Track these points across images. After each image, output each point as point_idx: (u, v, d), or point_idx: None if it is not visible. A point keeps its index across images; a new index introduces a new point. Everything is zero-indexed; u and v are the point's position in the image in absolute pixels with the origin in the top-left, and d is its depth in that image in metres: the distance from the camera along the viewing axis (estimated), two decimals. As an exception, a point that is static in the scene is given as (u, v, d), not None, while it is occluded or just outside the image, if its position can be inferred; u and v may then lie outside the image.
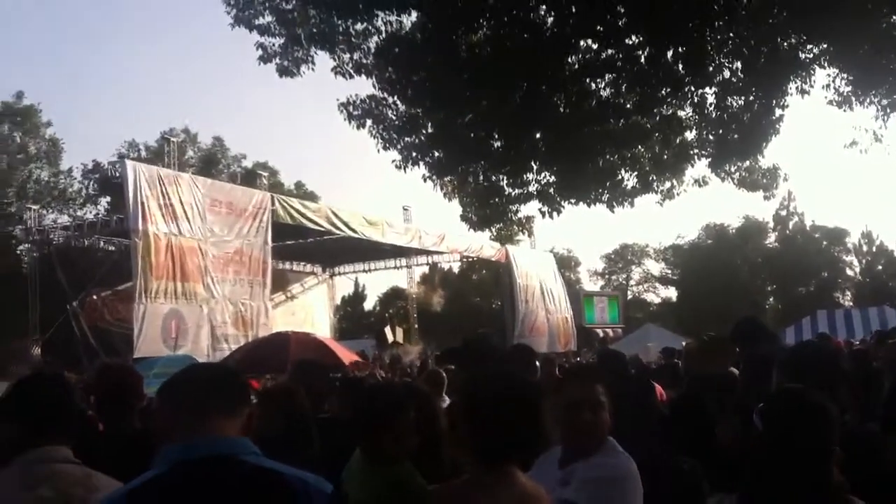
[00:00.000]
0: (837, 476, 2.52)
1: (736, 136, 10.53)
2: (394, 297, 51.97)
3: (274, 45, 9.87)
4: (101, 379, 4.07)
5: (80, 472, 2.67)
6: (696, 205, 75.83)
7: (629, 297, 61.58)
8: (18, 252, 36.96)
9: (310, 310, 32.59)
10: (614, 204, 11.10)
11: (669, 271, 64.71)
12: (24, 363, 21.50)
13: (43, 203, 36.49)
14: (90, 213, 39.96)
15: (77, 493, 2.58)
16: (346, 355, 15.57)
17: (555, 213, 10.99)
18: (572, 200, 11.03)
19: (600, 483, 2.82)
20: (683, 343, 15.38)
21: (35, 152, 41.77)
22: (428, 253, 31.88)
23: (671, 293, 64.30)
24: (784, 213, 57.65)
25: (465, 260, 37.71)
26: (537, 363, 5.65)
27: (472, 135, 10.17)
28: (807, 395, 2.66)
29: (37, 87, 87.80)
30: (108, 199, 40.04)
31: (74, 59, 76.14)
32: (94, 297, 24.46)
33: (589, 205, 11.04)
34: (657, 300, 66.93)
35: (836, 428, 2.56)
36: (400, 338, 30.76)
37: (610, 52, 9.79)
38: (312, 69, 9.97)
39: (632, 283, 67.61)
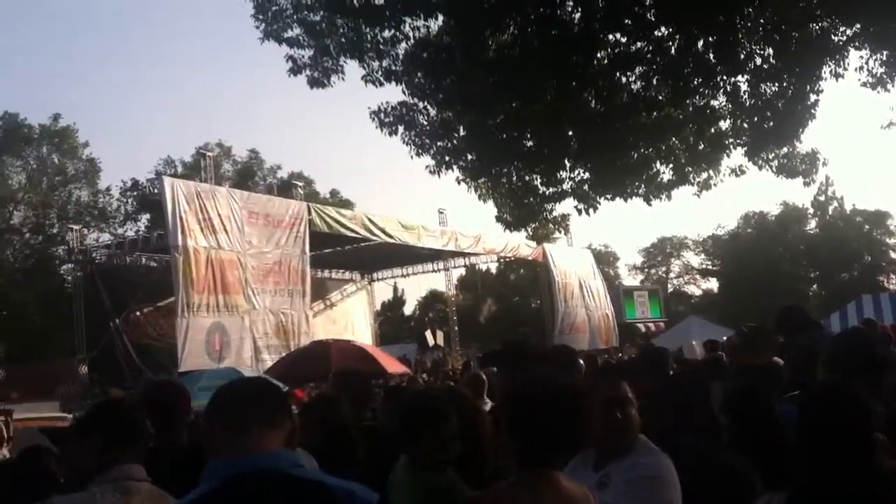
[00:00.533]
0: (889, 463, 2.48)
1: (771, 123, 10.37)
2: (433, 300, 52.06)
3: (303, 56, 9.96)
4: (149, 395, 4.11)
5: (157, 491, 2.74)
6: (734, 194, 74.88)
7: (670, 290, 61.09)
8: (62, 272, 37.64)
9: (350, 316, 32.74)
10: (651, 197, 11.01)
11: (710, 263, 64.09)
12: (72, 383, 21.86)
13: (84, 223, 37.09)
14: (131, 230, 40.67)
15: None
16: (388, 361, 15.60)
17: (591, 210, 10.93)
18: (608, 196, 10.96)
19: (640, 483, 2.81)
20: (724, 337, 15.17)
21: (74, 173, 42.47)
22: (465, 255, 31.86)
23: (713, 285, 63.78)
24: (822, 198, 56.81)
25: (502, 260, 37.64)
26: (580, 361, 5.61)
27: (503, 135, 10.15)
28: (842, 388, 2.63)
29: (72, 107, 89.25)
30: (148, 216, 40.61)
31: (109, 80, 77.47)
32: (137, 313, 24.79)
33: (625, 199, 10.96)
34: (699, 292, 66.42)
35: (871, 417, 2.52)
36: (441, 341, 30.77)
37: (639, 44, 9.71)
38: (342, 79, 10.05)
39: (672, 275, 67.09)
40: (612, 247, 64.91)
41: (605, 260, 55.71)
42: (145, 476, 2.76)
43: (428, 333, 30.91)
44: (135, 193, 42.21)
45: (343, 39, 9.75)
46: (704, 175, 11.43)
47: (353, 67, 10.06)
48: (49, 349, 29.55)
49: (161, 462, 3.60)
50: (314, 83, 9.94)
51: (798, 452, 2.58)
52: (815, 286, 57.26)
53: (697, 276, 66.35)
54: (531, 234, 12.62)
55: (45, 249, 40.42)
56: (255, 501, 1.97)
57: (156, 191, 20.73)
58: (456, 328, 32.26)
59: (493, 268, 51.90)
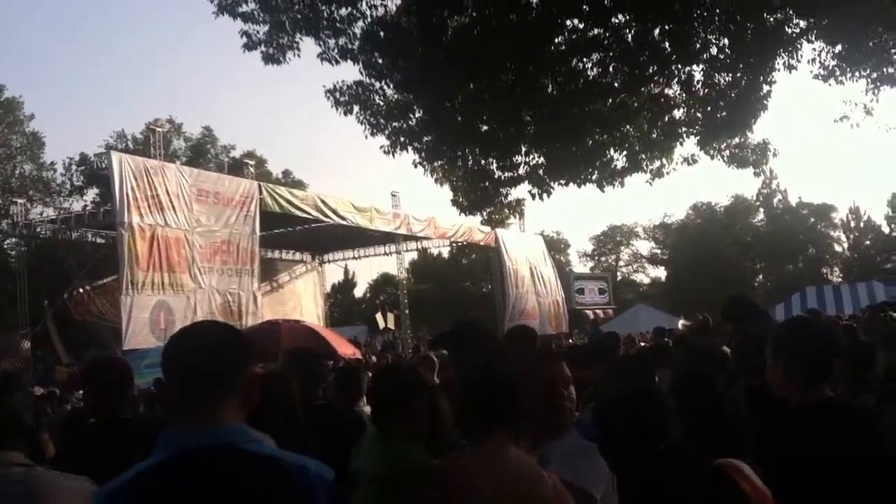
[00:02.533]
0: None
1: (724, 112, 10.50)
2: (384, 283, 51.99)
3: (258, 32, 9.80)
4: (92, 370, 4.05)
5: (18, 473, 2.71)
6: (685, 184, 75.98)
7: (619, 277, 61.81)
8: (5, 247, 36.83)
9: (299, 298, 32.56)
10: (604, 183, 11.07)
11: (659, 251, 64.97)
12: (14, 357, 21.48)
13: (27, 197, 36.30)
14: (77, 205, 39.78)
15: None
16: (339, 342, 15.55)
17: (545, 195, 10.95)
18: (562, 181, 11.00)
19: (581, 453, 2.94)
20: (680, 324, 15.37)
21: (18, 146, 41.51)
22: (417, 239, 31.85)
23: (661, 273, 64.69)
24: (766, 191, 57.86)
25: (454, 245, 37.71)
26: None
27: (460, 118, 10.11)
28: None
29: (19, 79, 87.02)
30: (97, 191, 39.88)
31: (60, 52, 75.71)
32: (81, 290, 24.42)
33: (579, 185, 11.01)
34: (647, 281, 67.35)
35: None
36: (391, 324, 30.78)
37: (596, 31, 9.75)
38: (298, 55, 9.92)
39: (621, 263, 67.87)
40: (564, 234, 65.61)
41: (556, 246, 56.13)
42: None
43: (379, 316, 30.90)
44: (82, 167, 41.48)
45: (299, 16, 9.60)
46: (657, 163, 11.54)
47: (308, 45, 9.94)
48: (-9, 323, 28.86)
49: (105, 436, 3.55)
50: (269, 59, 9.80)
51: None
52: (760, 277, 58.47)
53: (646, 265, 67.33)
54: (486, 218, 12.63)
55: (-11, 223, 39.51)
56: (206, 476, 1.93)
57: (104, 165, 20.32)
58: (407, 311, 32.25)
59: (445, 252, 52.04)
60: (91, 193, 41.05)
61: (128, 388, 3.91)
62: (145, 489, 1.93)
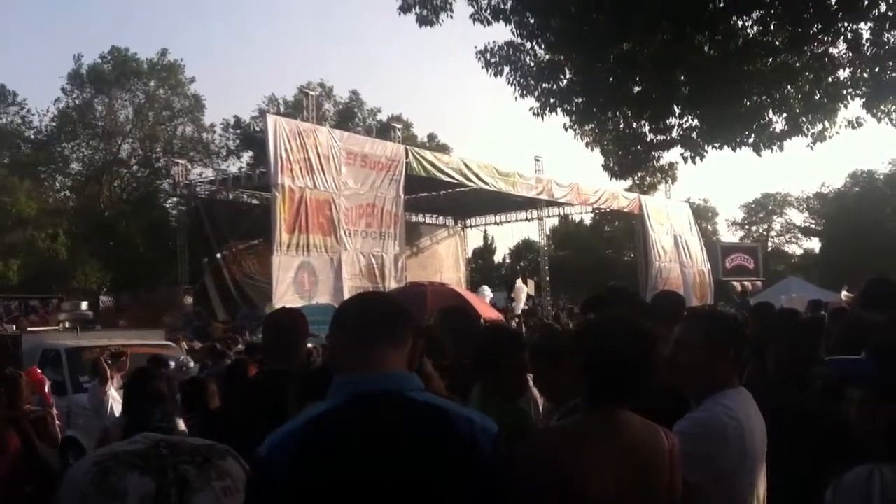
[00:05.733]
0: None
1: (893, 73, 9.89)
2: (524, 249, 51.94)
3: (413, -8, 9.88)
4: (273, 320, 4.29)
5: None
6: (842, 152, 71.84)
7: (769, 248, 59.46)
8: (166, 205, 38.93)
9: (441, 262, 33.01)
10: (762, 147, 10.64)
11: (813, 221, 62.02)
12: (176, 312, 22.73)
13: (188, 158, 38.09)
14: (233, 166, 41.60)
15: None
16: (482, 306, 15.69)
17: (698, 159, 10.65)
18: (716, 145, 10.65)
19: (676, 437, 2.76)
20: (843, 294, 14.60)
21: (179, 108, 43.53)
22: (559, 204, 31.63)
23: (814, 245, 61.78)
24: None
25: (596, 211, 37.25)
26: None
27: (612, 79, 9.93)
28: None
29: (179, 44, 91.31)
30: (251, 153, 41.49)
31: (216, 17, 78.95)
32: (234, 249, 25.59)
33: (734, 148, 10.62)
34: (799, 252, 64.43)
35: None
36: (532, 290, 30.75)
37: (757, -12, 9.35)
38: (451, 16, 9.95)
39: (773, 233, 65.19)
40: (712, 201, 63.50)
41: (703, 215, 54.50)
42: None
43: (519, 282, 30.91)
44: (237, 131, 43.21)
45: (454, -25, 9.65)
46: (819, 126, 10.98)
47: (461, 6, 9.97)
48: (152, 279, 30.71)
49: (270, 386, 3.70)
50: (423, 21, 9.88)
51: None
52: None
53: (799, 235, 64.37)
54: (637, 182, 12.40)
55: (151, 182, 41.80)
56: (377, 422, 2.00)
57: (259, 128, 21.15)
58: (547, 279, 32.17)
59: (588, 219, 51.43)
60: (246, 156, 42.83)
61: (304, 336, 4.08)
62: (317, 434, 2.01)
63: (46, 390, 9.34)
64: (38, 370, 9.95)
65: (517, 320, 18.91)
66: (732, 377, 3.01)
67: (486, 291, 23.71)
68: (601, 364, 2.44)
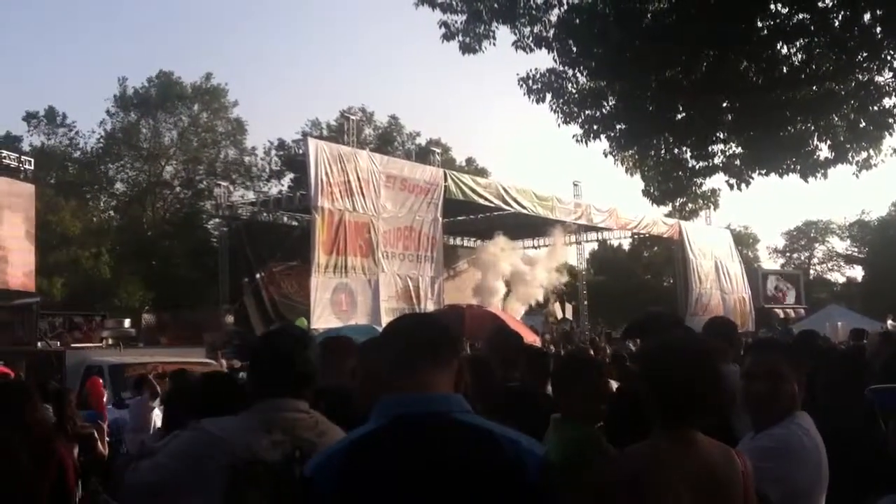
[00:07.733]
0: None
1: (939, 101, 9.79)
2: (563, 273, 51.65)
3: (457, 22, 9.96)
4: (324, 343, 4.34)
5: (311, 420, 2.87)
6: (885, 179, 70.73)
7: (811, 276, 58.59)
8: (208, 227, 39.44)
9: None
10: (808, 174, 10.55)
11: (856, 249, 61.04)
12: (216, 331, 22.97)
13: (230, 180, 38.59)
14: (275, 188, 42.05)
15: (307, 437, 2.80)
16: (521, 329, 15.67)
17: (743, 185, 10.59)
18: (762, 171, 10.58)
19: (756, 453, 2.76)
20: (889, 323, 14.41)
21: (223, 131, 44.18)
22: (598, 229, 31.51)
23: (857, 273, 60.77)
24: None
25: (635, 237, 37.01)
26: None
27: (655, 106, 9.92)
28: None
29: (224, 67, 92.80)
30: (292, 175, 41.92)
31: (258, 40, 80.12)
32: (272, 270, 25.83)
33: (780, 175, 10.55)
34: (842, 280, 63.40)
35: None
36: (569, 314, 30.60)
37: (802, 15, 9.29)
38: (493, 44, 10.01)
39: (814, 261, 64.27)
40: (752, 228, 62.82)
41: (744, 241, 53.87)
42: (301, 408, 2.90)
43: (556, 306, 30.78)
44: (280, 153, 43.72)
45: (496, 4, 9.69)
46: (864, 154, 10.87)
47: (503, 33, 10.03)
48: (193, 299, 31.08)
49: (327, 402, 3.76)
50: (466, 49, 9.94)
51: None
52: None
53: (841, 263, 63.37)
54: (678, 208, 12.32)
55: (193, 204, 42.39)
56: (422, 443, 2.01)
57: (300, 151, 21.40)
58: (585, 303, 31.99)
59: (626, 244, 51.10)
60: (287, 179, 43.28)
61: (350, 358, 4.12)
62: (360, 455, 2.02)
63: (104, 401, 9.58)
64: (101, 381, 10.11)
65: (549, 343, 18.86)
66: (798, 404, 3.07)
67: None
68: (670, 388, 2.45)
